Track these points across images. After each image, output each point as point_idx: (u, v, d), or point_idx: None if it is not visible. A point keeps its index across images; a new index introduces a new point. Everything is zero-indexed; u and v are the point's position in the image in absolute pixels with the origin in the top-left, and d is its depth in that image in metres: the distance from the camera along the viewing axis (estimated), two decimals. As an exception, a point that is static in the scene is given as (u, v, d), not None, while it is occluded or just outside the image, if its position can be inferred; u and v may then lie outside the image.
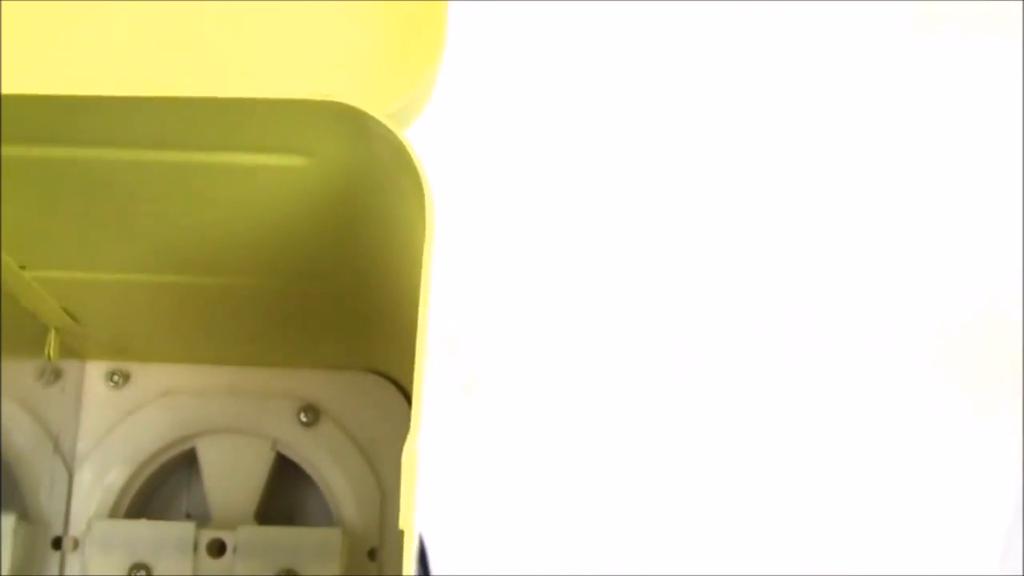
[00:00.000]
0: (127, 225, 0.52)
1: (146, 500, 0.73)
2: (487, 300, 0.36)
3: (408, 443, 0.38)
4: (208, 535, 0.69)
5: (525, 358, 0.37)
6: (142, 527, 0.69)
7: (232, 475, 0.72)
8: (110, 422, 0.72)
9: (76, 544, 0.70)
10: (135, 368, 0.73)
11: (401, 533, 0.37)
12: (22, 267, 0.58)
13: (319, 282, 0.58)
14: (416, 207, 0.41)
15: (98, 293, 0.62)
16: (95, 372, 0.73)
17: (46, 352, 0.68)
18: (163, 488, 0.74)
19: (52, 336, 0.68)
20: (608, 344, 0.37)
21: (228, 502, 0.71)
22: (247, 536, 0.69)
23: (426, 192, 0.40)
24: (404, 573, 0.36)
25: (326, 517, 0.74)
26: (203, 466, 0.72)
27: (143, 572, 0.68)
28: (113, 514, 0.71)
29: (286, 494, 0.75)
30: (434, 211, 0.40)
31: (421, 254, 0.41)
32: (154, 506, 0.74)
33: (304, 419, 0.72)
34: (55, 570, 0.69)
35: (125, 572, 0.68)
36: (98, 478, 0.71)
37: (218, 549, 0.69)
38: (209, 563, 0.69)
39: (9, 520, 0.66)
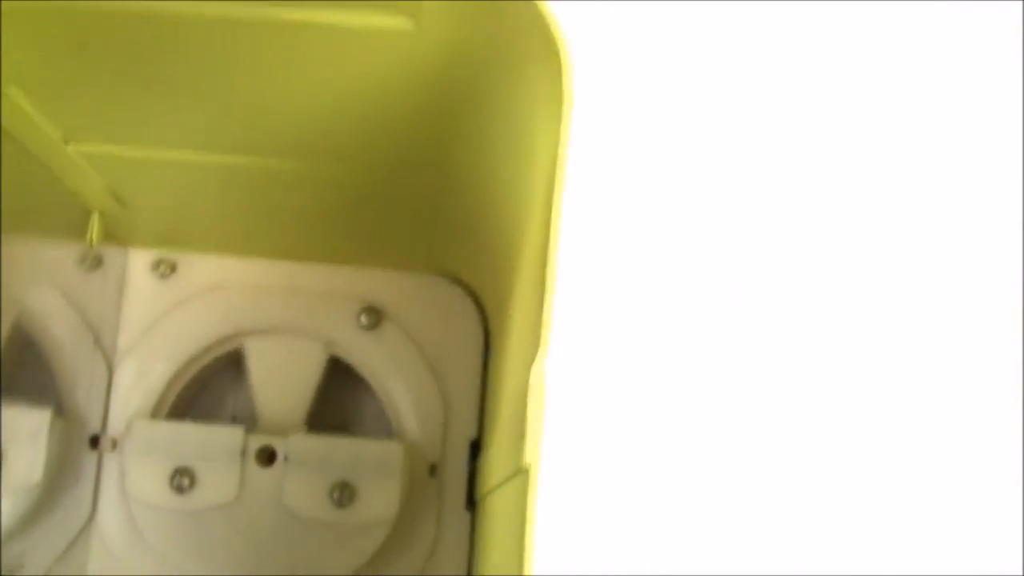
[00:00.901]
0: (189, 93, 0.46)
1: (189, 401, 0.68)
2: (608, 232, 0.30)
3: (536, 364, 0.31)
4: (257, 441, 0.64)
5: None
6: (187, 430, 0.64)
7: (282, 378, 0.66)
8: (154, 315, 0.66)
9: (115, 444, 0.65)
10: (182, 258, 0.67)
11: (526, 469, 0.31)
12: (66, 140, 0.52)
13: (406, 172, 0.52)
14: (549, 94, 0.35)
15: (148, 173, 0.56)
16: (139, 261, 0.67)
17: (88, 237, 0.62)
18: (208, 389, 0.69)
19: (95, 219, 0.61)
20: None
21: (277, 407, 0.66)
22: (299, 445, 0.64)
23: (566, 74, 0.33)
24: (527, 516, 0.30)
25: (382, 428, 0.68)
26: (252, 367, 0.66)
27: (186, 478, 0.63)
28: (155, 414, 0.65)
29: (339, 401, 0.70)
30: (573, 99, 0.33)
31: (547, 150, 0.34)
32: (198, 408, 0.68)
33: (365, 321, 0.66)
34: (92, 469, 0.64)
35: (167, 476, 0.63)
36: (140, 375, 0.66)
37: (267, 457, 0.64)
38: (257, 472, 0.64)
39: (45, 415, 0.60)
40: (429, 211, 0.57)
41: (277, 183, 0.56)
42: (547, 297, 0.32)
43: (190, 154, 0.53)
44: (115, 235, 0.64)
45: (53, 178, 0.57)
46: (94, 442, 0.65)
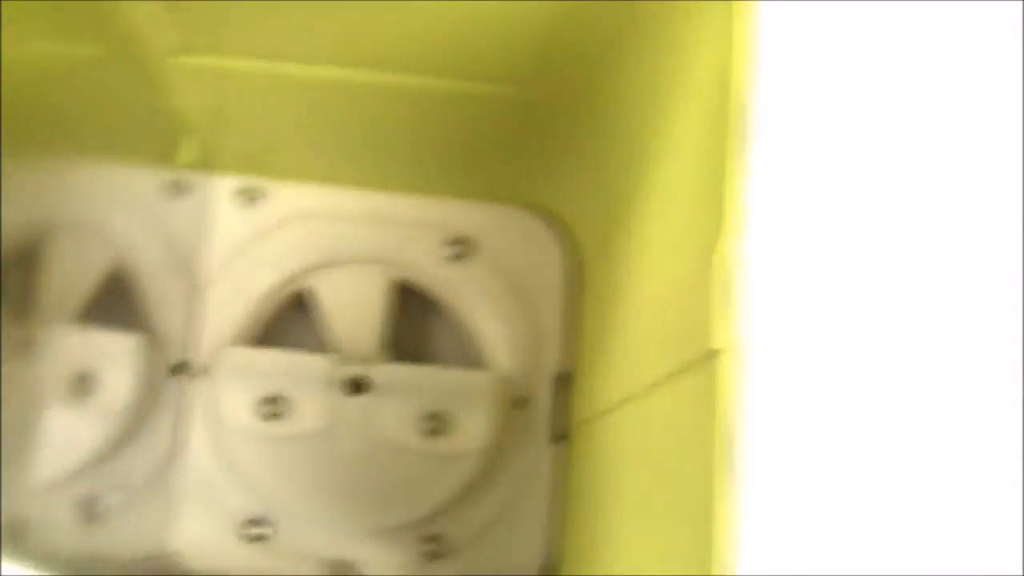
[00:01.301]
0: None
1: (273, 330, 0.67)
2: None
3: (722, 245, 0.31)
4: (347, 371, 0.63)
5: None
6: (276, 357, 0.63)
7: (360, 308, 0.65)
8: (240, 243, 0.65)
9: (201, 370, 0.64)
10: (268, 185, 0.66)
11: (715, 353, 0.30)
12: (178, 52, 0.51)
13: (526, 92, 0.51)
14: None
15: (252, 90, 0.55)
16: (225, 187, 0.66)
17: (178, 159, 0.61)
18: (291, 318, 0.68)
19: (188, 141, 0.61)
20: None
21: (356, 337, 0.65)
22: (389, 374, 0.63)
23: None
24: (720, 407, 0.29)
25: (460, 361, 0.68)
26: (330, 298, 0.65)
27: (275, 405, 0.62)
28: (239, 342, 0.65)
29: (415, 333, 0.69)
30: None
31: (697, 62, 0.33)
32: (281, 337, 0.68)
33: (451, 252, 0.65)
34: (177, 396, 0.64)
35: (257, 403, 0.62)
36: (225, 302, 0.65)
37: (354, 386, 0.63)
38: (346, 401, 0.63)
39: (132, 339, 0.60)
40: (526, 138, 0.56)
41: (379, 103, 0.55)
42: (730, 180, 0.31)
43: (302, 68, 0.52)
44: (202, 160, 0.63)
45: (151, 97, 0.56)
46: (178, 369, 0.64)
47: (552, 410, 0.64)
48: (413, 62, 0.50)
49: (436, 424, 0.62)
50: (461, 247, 0.65)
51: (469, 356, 0.67)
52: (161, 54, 0.51)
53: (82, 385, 0.58)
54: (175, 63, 0.51)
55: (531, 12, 0.43)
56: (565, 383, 0.64)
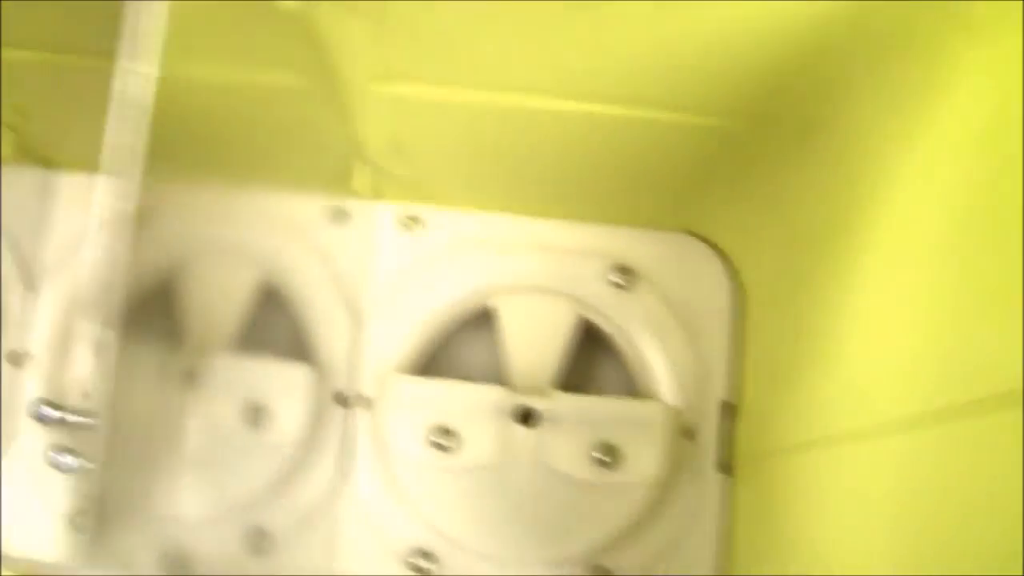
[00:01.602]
0: (541, 27, 0.44)
1: (438, 359, 0.67)
2: None
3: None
4: (516, 400, 0.62)
5: None
6: (446, 387, 0.63)
7: (533, 338, 0.65)
8: (403, 271, 0.65)
9: (364, 400, 0.64)
10: (429, 214, 0.66)
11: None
12: (377, 78, 0.51)
13: (722, 119, 0.50)
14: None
15: (437, 119, 0.55)
16: (387, 216, 0.66)
17: (350, 186, 0.61)
18: (453, 347, 0.68)
19: (359, 169, 0.60)
20: None
21: (526, 367, 0.64)
22: (560, 404, 0.62)
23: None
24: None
25: (621, 390, 0.67)
26: (503, 326, 0.65)
27: (445, 436, 0.62)
28: (402, 371, 0.64)
29: (577, 362, 0.68)
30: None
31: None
32: (444, 366, 0.67)
33: (616, 280, 0.65)
34: (342, 425, 0.63)
35: (423, 433, 0.62)
36: (389, 331, 0.65)
37: (523, 416, 0.63)
38: (517, 431, 0.62)
39: (300, 371, 0.60)
40: (700, 168, 0.56)
41: (566, 132, 0.55)
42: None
43: (495, 95, 0.51)
44: (372, 189, 0.63)
45: (336, 124, 0.55)
46: (340, 398, 0.64)
47: (718, 440, 0.63)
48: (613, 92, 0.50)
49: (608, 455, 0.61)
50: (626, 274, 0.64)
51: (631, 387, 0.67)
52: (360, 81, 0.50)
53: (254, 416, 0.58)
54: (372, 88, 0.51)
55: (767, 44, 0.43)
56: (731, 413, 0.63)
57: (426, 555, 0.63)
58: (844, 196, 0.47)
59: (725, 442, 0.63)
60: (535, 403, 0.62)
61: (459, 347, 0.68)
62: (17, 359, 0.65)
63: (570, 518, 0.62)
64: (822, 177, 0.50)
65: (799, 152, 0.51)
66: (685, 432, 0.63)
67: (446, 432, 0.62)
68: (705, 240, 0.65)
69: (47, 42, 0.51)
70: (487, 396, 0.62)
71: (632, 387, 0.66)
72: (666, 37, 0.44)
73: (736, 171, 0.57)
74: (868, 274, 0.45)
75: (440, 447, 0.61)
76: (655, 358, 0.64)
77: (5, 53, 0.54)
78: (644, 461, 0.61)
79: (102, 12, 0.37)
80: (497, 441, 0.62)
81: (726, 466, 0.63)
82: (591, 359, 0.68)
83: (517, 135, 0.56)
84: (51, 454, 0.64)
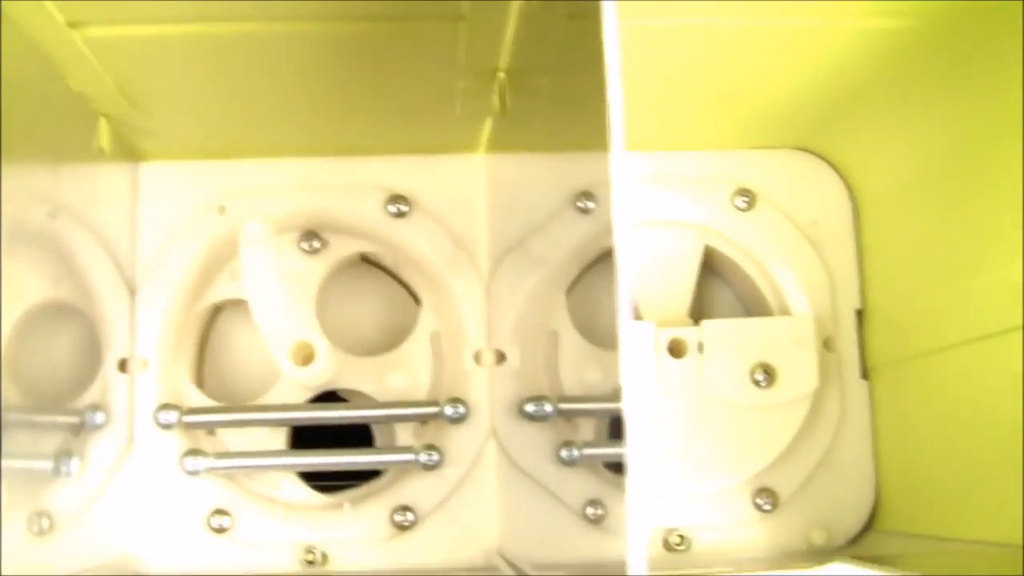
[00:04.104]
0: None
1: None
2: None
3: None
4: (665, 334, 0.62)
5: None
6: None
7: (662, 270, 0.64)
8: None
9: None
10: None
11: None
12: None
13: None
14: None
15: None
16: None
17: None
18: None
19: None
20: None
21: (660, 300, 0.64)
22: (712, 331, 0.62)
23: None
24: None
25: (737, 313, 0.67)
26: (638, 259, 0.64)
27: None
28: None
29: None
30: None
31: None
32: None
33: (740, 204, 0.65)
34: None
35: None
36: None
37: (674, 349, 0.62)
38: (671, 363, 0.62)
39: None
40: (828, 80, 0.56)
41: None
42: None
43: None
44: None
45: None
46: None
47: (859, 348, 0.64)
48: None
49: (765, 374, 0.61)
50: (749, 197, 0.64)
51: (751, 309, 0.67)
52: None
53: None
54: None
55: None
56: (864, 320, 0.64)
57: (593, 502, 0.61)
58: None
59: (862, 349, 0.64)
60: (687, 334, 0.62)
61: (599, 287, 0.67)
62: (124, 366, 0.61)
63: (735, 443, 0.62)
64: (978, 103, 0.50)
65: (967, 66, 0.51)
66: (825, 343, 0.64)
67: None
68: (821, 156, 0.66)
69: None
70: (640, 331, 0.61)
71: (748, 311, 0.66)
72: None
73: (875, 84, 0.57)
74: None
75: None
76: (785, 276, 0.64)
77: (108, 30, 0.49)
78: (800, 376, 0.62)
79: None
80: (654, 375, 0.61)
81: (866, 372, 0.64)
82: (708, 286, 0.68)
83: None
84: (183, 460, 0.61)
